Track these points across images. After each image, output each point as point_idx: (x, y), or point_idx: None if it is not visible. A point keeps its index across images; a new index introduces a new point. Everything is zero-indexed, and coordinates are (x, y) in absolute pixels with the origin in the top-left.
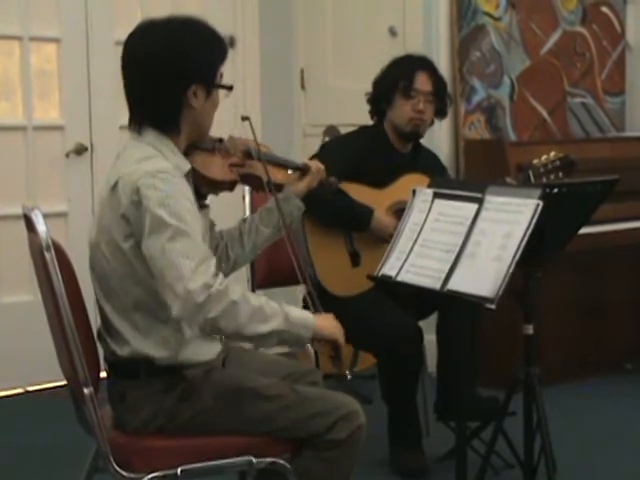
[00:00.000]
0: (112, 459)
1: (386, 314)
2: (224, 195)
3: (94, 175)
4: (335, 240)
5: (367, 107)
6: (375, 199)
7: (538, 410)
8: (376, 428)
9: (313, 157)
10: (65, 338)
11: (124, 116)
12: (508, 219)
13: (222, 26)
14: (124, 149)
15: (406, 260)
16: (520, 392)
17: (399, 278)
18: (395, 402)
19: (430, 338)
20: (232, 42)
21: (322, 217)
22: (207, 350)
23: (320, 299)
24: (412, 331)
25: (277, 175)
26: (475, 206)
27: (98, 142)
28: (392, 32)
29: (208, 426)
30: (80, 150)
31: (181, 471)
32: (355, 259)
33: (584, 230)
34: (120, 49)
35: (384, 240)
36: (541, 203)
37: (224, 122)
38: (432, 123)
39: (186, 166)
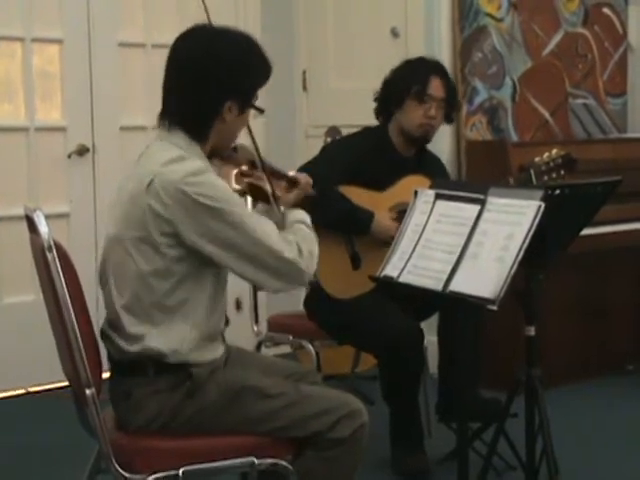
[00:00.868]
0: (114, 460)
1: (387, 315)
2: None
3: (96, 176)
4: (336, 243)
5: (369, 108)
6: (376, 201)
7: (540, 412)
8: (378, 429)
9: (313, 159)
10: (67, 339)
11: (126, 117)
12: (510, 220)
13: None
14: (149, 147)
15: (408, 261)
16: (522, 394)
17: (401, 279)
18: (396, 403)
19: (431, 339)
20: None
21: (322, 220)
22: (213, 351)
23: (321, 299)
24: (413, 332)
25: (277, 188)
26: (477, 207)
27: (100, 143)
28: (394, 33)
29: (210, 424)
30: (82, 151)
31: (183, 472)
32: (356, 262)
33: (586, 231)
34: (122, 50)
35: (385, 243)
36: (543, 204)
37: None
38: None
39: (212, 171)
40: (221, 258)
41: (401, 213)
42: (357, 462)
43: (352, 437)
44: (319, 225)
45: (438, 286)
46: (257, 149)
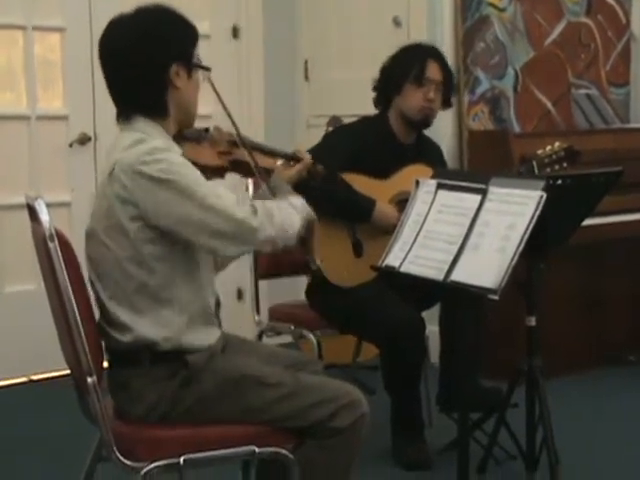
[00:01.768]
0: (115, 448)
1: (389, 305)
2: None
3: (97, 165)
4: (338, 230)
5: (370, 98)
6: (378, 190)
7: (540, 402)
8: (379, 419)
9: (314, 147)
10: (68, 327)
11: None
12: (512, 210)
13: (226, 17)
14: (115, 139)
15: (409, 251)
16: (523, 384)
17: (402, 269)
18: (398, 393)
19: (432, 329)
20: (236, 32)
21: (324, 208)
22: (207, 335)
23: (322, 288)
24: (414, 322)
25: (265, 161)
26: (478, 197)
27: (102, 132)
28: (396, 22)
29: (210, 413)
30: (84, 140)
31: (184, 460)
32: (358, 249)
33: (587, 222)
34: None
35: (386, 232)
36: (545, 195)
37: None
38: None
39: (177, 150)
40: (178, 231)
41: (402, 202)
42: (357, 451)
43: (352, 427)
44: (321, 212)
45: (439, 276)
46: (235, 125)
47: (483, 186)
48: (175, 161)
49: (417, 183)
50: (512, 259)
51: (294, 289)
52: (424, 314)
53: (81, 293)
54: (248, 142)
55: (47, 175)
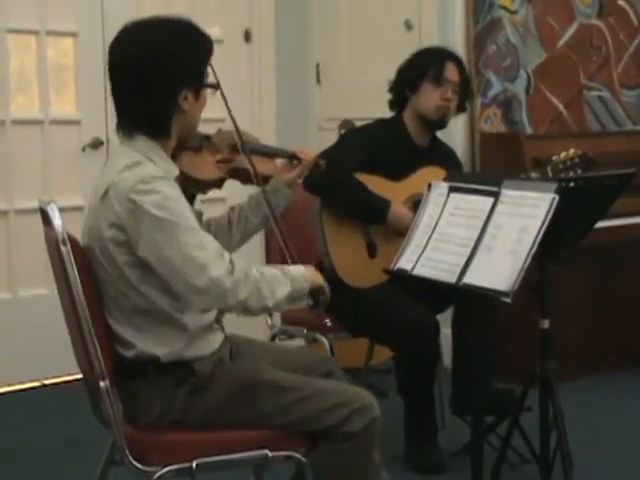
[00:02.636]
0: (128, 452)
1: (404, 307)
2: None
3: None
4: (352, 231)
5: (383, 101)
6: (392, 191)
7: (554, 405)
8: (392, 422)
9: (329, 147)
10: (81, 331)
11: None
12: (524, 213)
13: (238, 20)
14: (112, 155)
15: (422, 254)
16: (536, 387)
17: (415, 272)
18: (411, 396)
19: (445, 332)
20: (248, 36)
21: (339, 208)
22: (210, 343)
23: (336, 290)
24: (430, 325)
25: (265, 166)
26: (491, 200)
27: (114, 136)
28: (408, 25)
29: (223, 420)
30: (96, 144)
31: (196, 464)
32: (372, 250)
33: (600, 224)
34: None
35: (400, 234)
36: (557, 197)
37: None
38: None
39: (174, 171)
40: (157, 269)
41: (417, 204)
42: (370, 455)
43: (364, 431)
44: (335, 212)
45: (452, 279)
46: (238, 131)
47: (495, 189)
48: (169, 195)
49: (429, 186)
50: (525, 262)
51: None
52: (437, 317)
53: (93, 297)
54: (249, 146)
55: (60, 179)
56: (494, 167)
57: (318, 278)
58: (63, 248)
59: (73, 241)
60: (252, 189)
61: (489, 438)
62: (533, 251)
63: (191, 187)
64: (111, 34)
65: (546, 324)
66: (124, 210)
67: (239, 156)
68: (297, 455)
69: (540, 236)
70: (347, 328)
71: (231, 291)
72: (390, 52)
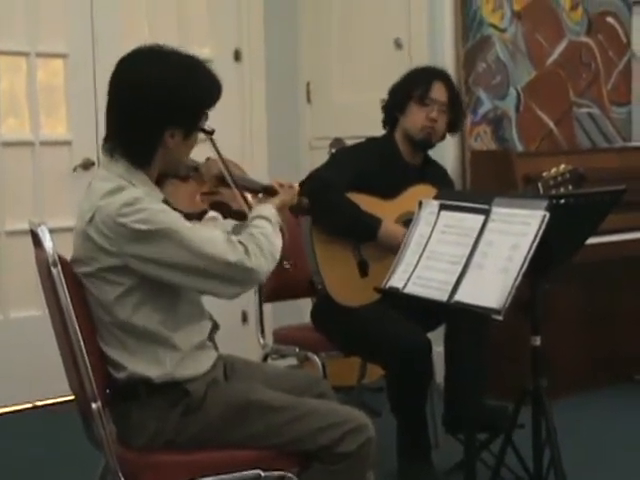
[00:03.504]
0: (120, 474)
1: (396, 326)
2: None
3: None
4: (343, 249)
5: (373, 120)
6: (383, 210)
7: (547, 422)
8: (385, 441)
9: (321, 166)
10: (72, 353)
11: None
12: (515, 230)
13: (228, 40)
14: (94, 180)
15: (413, 272)
16: (529, 404)
17: (406, 290)
18: (404, 414)
19: (437, 350)
20: (238, 56)
21: (329, 226)
22: (202, 362)
23: (328, 309)
24: (421, 343)
25: (248, 201)
26: (482, 217)
27: None
28: (397, 44)
29: (216, 440)
30: (87, 165)
31: None
32: (363, 269)
33: (591, 240)
34: None
35: (393, 250)
36: (548, 214)
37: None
38: (444, 137)
39: (159, 196)
40: (170, 278)
41: (408, 222)
42: (364, 476)
43: (358, 451)
44: (326, 231)
45: (443, 297)
46: (225, 165)
47: (486, 206)
48: (157, 208)
49: (420, 204)
50: (516, 279)
51: (298, 312)
52: (429, 335)
53: (85, 318)
54: (238, 179)
55: (51, 200)
56: (485, 185)
57: (280, 196)
58: (54, 270)
59: (64, 263)
60: (233, 222)
61: (482, 456)
62: (524, 268)
63: None
64: (101, 55)
65: (537, 341)
66: (113, 233)
67: (223, 189)
68: (290, 475)
69: (531, 253)
70: (339, 347)
71: (255, 269)
72: (380, 71)
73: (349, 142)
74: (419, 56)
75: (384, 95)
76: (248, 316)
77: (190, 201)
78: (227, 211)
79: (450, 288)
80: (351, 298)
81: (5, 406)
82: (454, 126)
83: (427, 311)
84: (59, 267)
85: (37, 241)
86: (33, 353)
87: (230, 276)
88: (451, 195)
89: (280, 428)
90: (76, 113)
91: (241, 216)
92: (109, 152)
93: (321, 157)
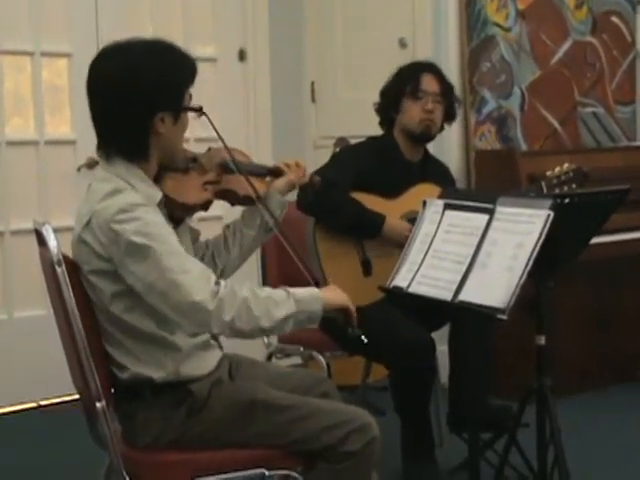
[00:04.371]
0: (125, 473)
1: (399, 325)
2: None
3: None
4: (346, 249)
5: (377, 119)
6: (387, 209)
7: (551, 421)
8: (389, 440)
9: (323, 166)
10: (77, 352)
11: None
12: (519, 230)
13: (232, 39)
14: (94, 181)
15: (417, 271)
16: (533, 403)
17: (411, 289)
18: (408, 414)
19: (442, 349)
20: (242, 55)
21: (333, 224)
22: (206, 362)
23: None
24: (425, 342)
25: (257, 186)
26: (486, 217)
27: None
28: (402, 44)
29: (220, 439)
30: (92, 164)
31: None
32: (367, 268)
33: (596, 240)
34: None
35: (397, 246)
36: (552, 213)
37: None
38: (442, 129)
39: (157, 195)
40: (144, 296)
41: (412, 221)
42: (369, 475)
43: (363, 451)
44: (329, 230)
45: (448, 296)
46: (229, 151)
47: (490, 206)
48: (150, 220)
49: (424, 203)
50: (520, 278)
51: None
52: (433, 334)
53: (89, 318)
54: (240, 165)
55: (55, 200)
56: (489, 184)
57: (339, 297)
58: (58, 269)
59: (68, 262)
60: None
61: (486, 455)
62: (529, 267)
63: (175, 210)
64: None
65: (542, 340)
66: (107, 240)
67: (227, 176)
68: (294, 474)
69: (536, 252)
70: (342, 347)
71: (215, 314)
72: (385, 70)
73: (353, 141)
74: (423, 55)
75: (378, 99)
76: None
77: (193, 192)
78: (234, 198)
79: (455, 287)
80: (354, 297)
81: (10, 405)
82: (450, 115)
83: (431, 310)
84: (63, 266)
85: (42, 240)
86: (38, 352)
87: (189, 312)
88: (455, 194)
89: (285, 427)
90: (80, 113)
91: (249, 201)
92: (105, 155)
93: (326, 156)
